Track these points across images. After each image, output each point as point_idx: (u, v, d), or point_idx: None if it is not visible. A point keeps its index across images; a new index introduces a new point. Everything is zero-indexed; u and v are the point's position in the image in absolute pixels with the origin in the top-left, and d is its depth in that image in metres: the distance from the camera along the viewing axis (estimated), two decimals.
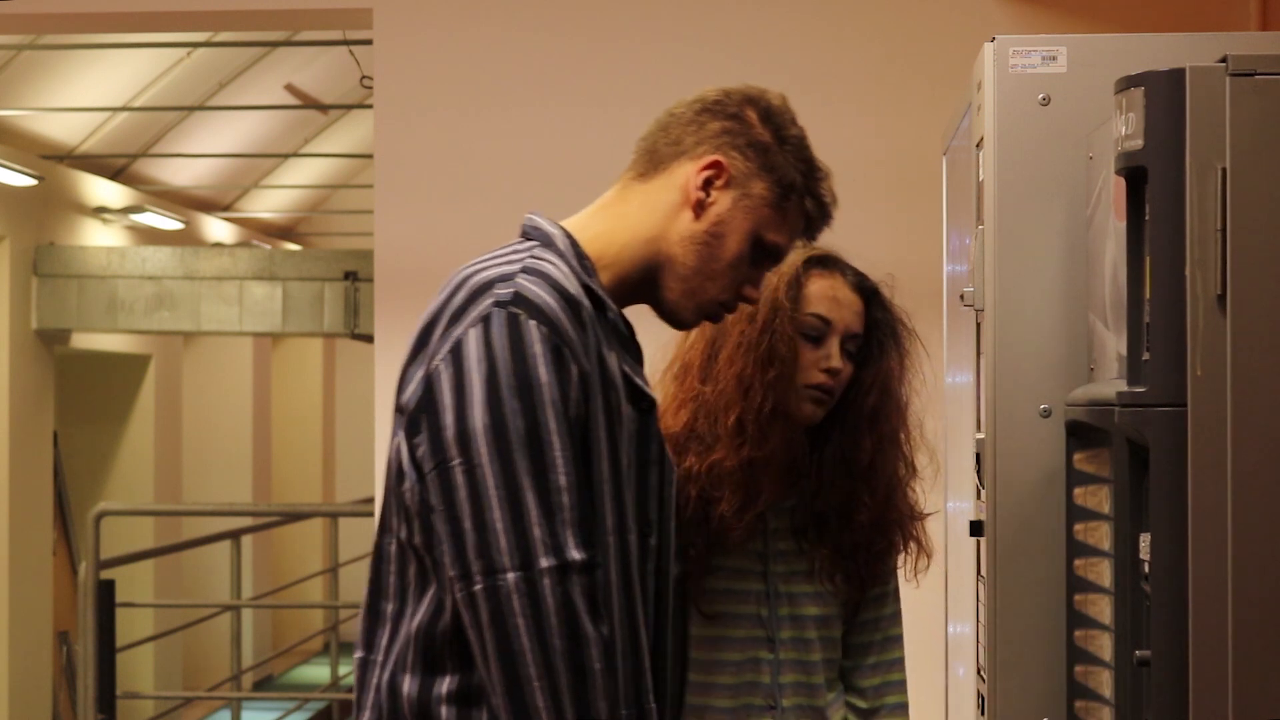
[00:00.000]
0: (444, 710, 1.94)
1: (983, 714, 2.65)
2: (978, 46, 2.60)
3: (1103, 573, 2.34)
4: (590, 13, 4.55)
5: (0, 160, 8.78)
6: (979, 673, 2.73)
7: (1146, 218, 2.07)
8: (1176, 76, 2.03)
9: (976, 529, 2.67)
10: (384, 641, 2.01)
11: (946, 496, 3.47)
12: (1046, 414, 2.52)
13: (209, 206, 12.40)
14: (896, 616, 2.64)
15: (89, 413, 11.34)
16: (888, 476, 2.55)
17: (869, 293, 2.61)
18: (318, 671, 13.85)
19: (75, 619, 8.43)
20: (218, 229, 12.32)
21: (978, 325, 2.69)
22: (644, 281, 2.11)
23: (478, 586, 1.88)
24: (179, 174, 11.42)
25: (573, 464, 1.91)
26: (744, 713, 2.52)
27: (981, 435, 2.63)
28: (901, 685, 2.63)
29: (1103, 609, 2.33)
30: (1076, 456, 2.44)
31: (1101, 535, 2.35)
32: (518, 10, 4.57)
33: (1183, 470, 2.01)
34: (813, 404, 2.51)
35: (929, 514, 2.63)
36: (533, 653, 1.87)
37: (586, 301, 1.99)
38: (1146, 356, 2.07)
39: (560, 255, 2.03)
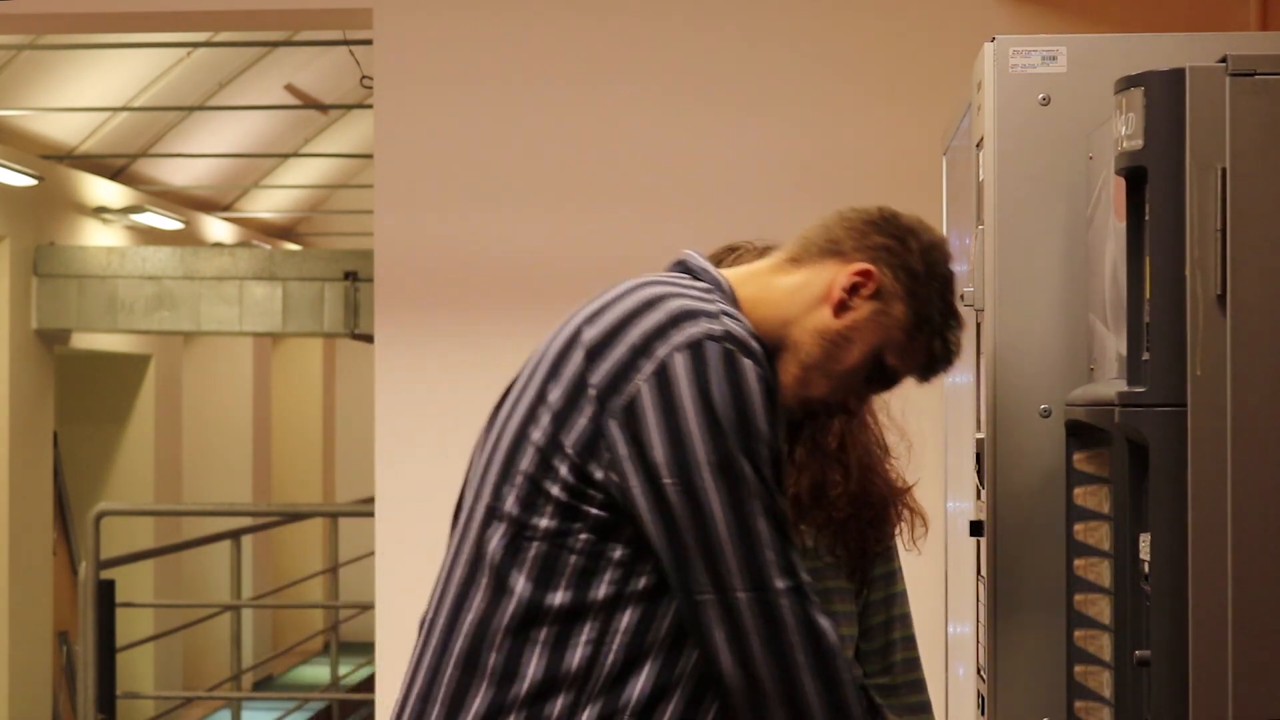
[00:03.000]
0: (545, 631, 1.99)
1: (983, 714, 2.65)
2: (978, 46, 2.60)
3: (1103, 573, 2.34)
4: (592, 14, 4.55)
5: (0, 160, 8.78)
6: (979, 673, 2.73)
7: (1146, 218, 2.07)
8: (1176, 76, 2.03)
9: (976, 529, 2.67)
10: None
11: (947, 496, 3.47)
12: (1046, 414, 2.52)
13: (209, 206, 12.40)
14: (905, 595, 2.69)
15: (89, 413, 11.35)
16: (859, 456, 2.60)
17: None
18: (318, 671, 13.85)
19: (75, 619, 8.43)
20: (218, 229, 12.32)
21: (978, 325, 2.69)
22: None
23: (706, 597, 1.97)
24: (179, 174, 11.42)
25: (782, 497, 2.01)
26: None
27: (981, 435, 2.63)
28: (919, 662, 2.67)
29: (1103, 609, 2.33)
30: (1076, 456, 2.44)
31: (1101, 535, 2.35)
32: (519, 10, 4.57)
33: (1183, 470, 2.01)
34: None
35: (912, 485, 2.68)
36: (777, 669, 1.97)
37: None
38: (1146, 356, 2.07)
39: (733, 305, 2.11)
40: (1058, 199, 2.53)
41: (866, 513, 2.61)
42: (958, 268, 2.23)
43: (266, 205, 13.34)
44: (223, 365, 13.10)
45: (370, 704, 6.35)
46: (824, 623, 1.98)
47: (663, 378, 1.97)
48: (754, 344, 2.02)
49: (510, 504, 2.02)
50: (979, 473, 2.66)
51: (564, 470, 1.99)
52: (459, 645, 2.02)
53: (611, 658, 1.99)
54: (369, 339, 6.72)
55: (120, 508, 8.89)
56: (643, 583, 2.00)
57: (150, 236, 10.90)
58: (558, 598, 1.99)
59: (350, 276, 9.68)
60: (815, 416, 2.24)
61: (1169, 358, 2.02)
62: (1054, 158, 2.52)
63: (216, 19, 5.04)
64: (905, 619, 2.66)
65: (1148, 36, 2.54)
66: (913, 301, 2.16)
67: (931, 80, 4.35)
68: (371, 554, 4.74)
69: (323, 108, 10.92)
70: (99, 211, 10.36)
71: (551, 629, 1.99)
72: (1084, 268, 2.51)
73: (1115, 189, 2.23)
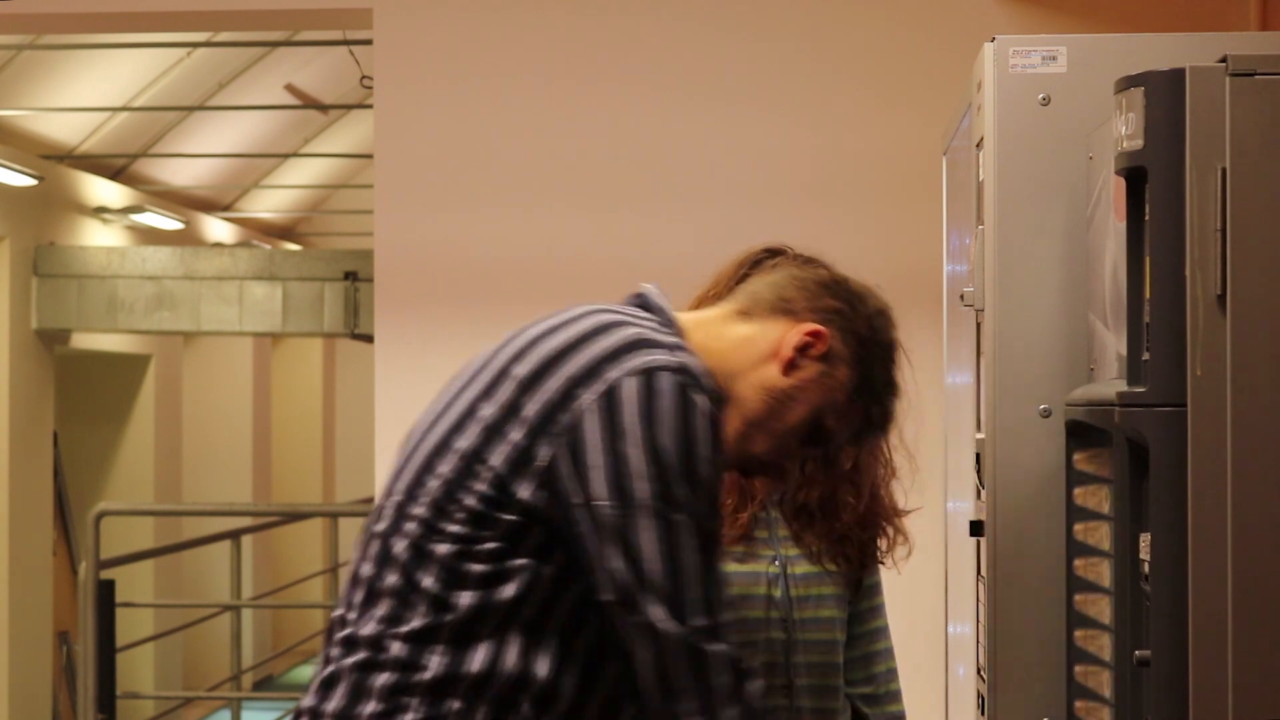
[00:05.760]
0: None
1: (983, 714, 2.65)
2: (978, 46, 2.60)
3: (1103, 573, 2.34)
4: (593, 15, 4.55)
5: (0, 160, 8.78)
6: (979, 673, 2.73)
7: (1146, 218, 2.07)
8: (1176, 76, 2.03)
9: (976, 529, 2.67)
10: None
11: (947, 496, 3.47)
12: (1046, 414, 2.52)
13: (209, 206, 12.40)
14: (884, 607, 2.72)
15: (89, 413, 11.34)
16: (871, 479, 2.60)
17: None
18: None
19: (75, 619, 8.43)
20: (218, 229, 12.32)
21: (978, 325, 2.69)
22: None
23: (632, 617, 1.95)
24: (179, 174, 11.42)
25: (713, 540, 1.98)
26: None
27: (981, 435, 2.63)
28: (898, 673, 2.71)
29: (1103, 609, 2.33)
30: (1076, 456, 2.44)
31: (1101, 535, 2.35)
32: (519, 10, 4.57)
33: (1183, 470, 2.01)
34: None
35: (910, 510, 2.68)
36: (664, 700, 1.95)
37: None
38: (1146, 356, 2.07)
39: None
40: (1058, 199, 2.53)
41: (866, 532, 2.63)
42: (899, 337, 2.22)
43: (266, 205, 13.33)
44: (223, 365, 13.09)
45: None
46: (721, 672, 1.94)
47: (611, 399, 1.94)
48: (707, 380, 1.99)
49: (421, 507, 2.00)
50: (979, 473, 2.66)
51: (484, 483, 1.97)
52: (365, 635, 2.00)
53: (510, 659, 1.97)
54: (369, 339, 6.72)
55: (120, 508, 8.88)
56: (546, 588, 1.98)
57: (150, 236, 10.89)
58: (463, 599, 1.97)
59: (350, 276, 9.67)
60: (750, 475, 2.21)
61: (1169, 358, 2.02)
62: (1054, 158, 2.53)
63: (216, 19, 5.05)
64: (886, 631, 2.71)
65: (1148, 36, 2.54)
66: (858, 367, 2.16)
67: (931, 80, 4.35)
68: None
69: (323, 108, 10.91)
70: (99, 211, 10.35)
71: (453, 631, 1.97)
72: (1084, 268, 2.51)
73: (1115, 189, 2.24)
